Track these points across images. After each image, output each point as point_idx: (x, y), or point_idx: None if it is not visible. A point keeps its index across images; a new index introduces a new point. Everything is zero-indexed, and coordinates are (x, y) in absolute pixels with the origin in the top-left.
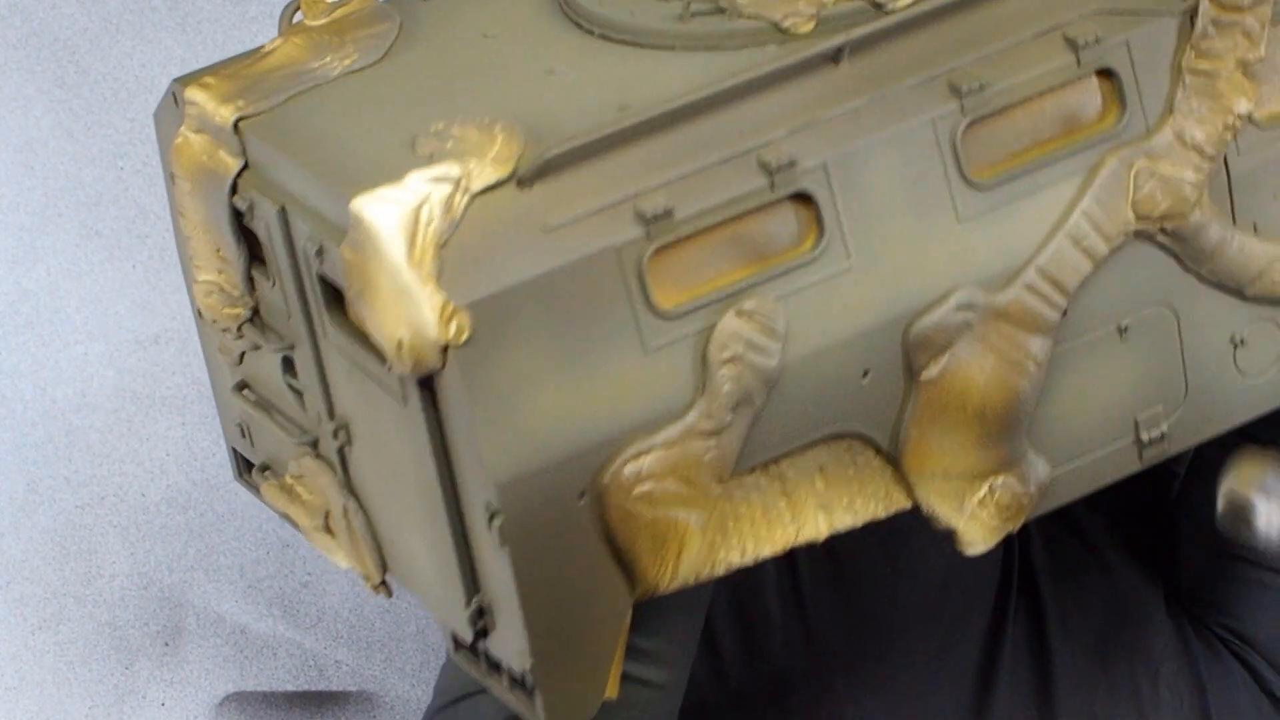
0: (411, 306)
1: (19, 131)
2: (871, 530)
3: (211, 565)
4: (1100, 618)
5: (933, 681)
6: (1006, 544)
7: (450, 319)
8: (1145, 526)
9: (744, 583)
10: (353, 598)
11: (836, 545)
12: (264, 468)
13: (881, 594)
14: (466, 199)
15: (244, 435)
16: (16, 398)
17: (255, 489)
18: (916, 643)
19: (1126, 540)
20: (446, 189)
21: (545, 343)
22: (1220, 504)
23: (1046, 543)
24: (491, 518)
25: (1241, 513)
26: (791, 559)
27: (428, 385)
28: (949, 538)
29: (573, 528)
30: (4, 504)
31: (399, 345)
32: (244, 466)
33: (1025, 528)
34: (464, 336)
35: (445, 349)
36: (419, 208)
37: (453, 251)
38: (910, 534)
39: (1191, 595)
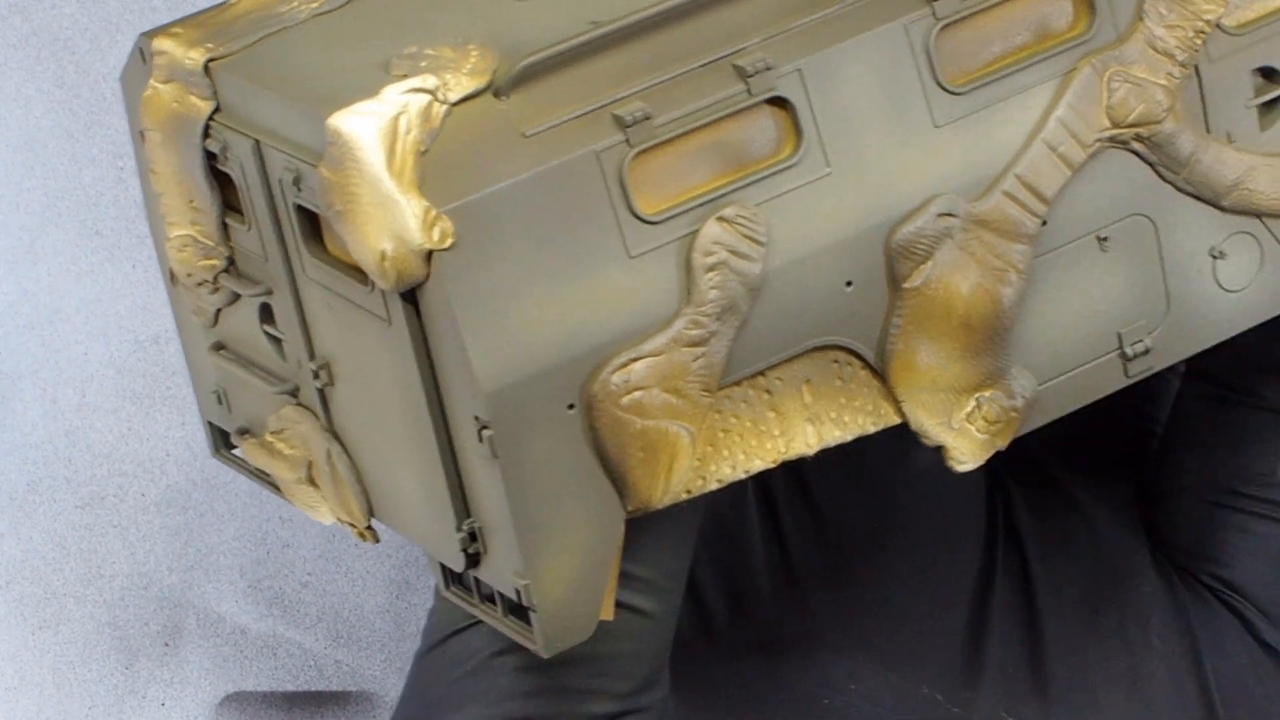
0: (394, 215)
1: (19, 131)
2: (857, 491)
3: (211, 565)
4: (1086, 572)
5: (924, 638)
6: (989, 504)
7: (433, 225)
8: (1123, 480)
9: (728, 546)
10: (352, 598)
11: (822, 505)
12: (242, 431)
13: (869, 554)
14: (444, 109)
15: (220, 402)
16: (17, 398)
17: (233, 463)
18: (906, 601)
19: (1107, 495)
20: (424, 99)
21: (529, 248)
22: None
23: (1028, 501)
24: (481, 431)
25: None
26: (776, 521)
27: (412, 301)
28: (938, 453)
29: (564, 439)
30: (4, 504)
31: (382, 258)
32: (220, 441)
33: (1006, 487)
34: (448, 241)
35: (429, 257)
36: (396, 118)
37: (433, 159)
38: (897, 494)
39: (1179, 546)
